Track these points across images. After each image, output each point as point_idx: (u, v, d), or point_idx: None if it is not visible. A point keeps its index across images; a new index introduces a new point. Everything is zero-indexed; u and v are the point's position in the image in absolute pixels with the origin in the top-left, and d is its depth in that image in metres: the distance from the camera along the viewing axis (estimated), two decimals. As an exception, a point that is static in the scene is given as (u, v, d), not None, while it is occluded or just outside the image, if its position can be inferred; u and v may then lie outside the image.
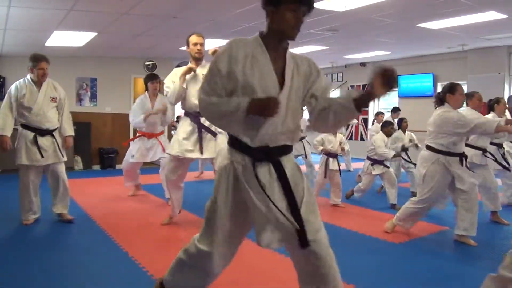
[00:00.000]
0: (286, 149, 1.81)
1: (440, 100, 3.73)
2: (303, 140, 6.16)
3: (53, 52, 7.27)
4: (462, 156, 3.65)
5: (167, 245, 3.50)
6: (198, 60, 3.75)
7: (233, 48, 1.73)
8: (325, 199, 5.25)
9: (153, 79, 5.20)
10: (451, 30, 6.48)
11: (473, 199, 3.62)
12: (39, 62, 3.83)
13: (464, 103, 4.08)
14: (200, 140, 3.67)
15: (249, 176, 1.73)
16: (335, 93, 12.03)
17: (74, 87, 8.29)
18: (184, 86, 3.63)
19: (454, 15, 5.53)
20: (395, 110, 8.28)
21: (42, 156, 3.86)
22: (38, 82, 3.90)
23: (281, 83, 1.74)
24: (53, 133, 3.98)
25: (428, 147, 3.74)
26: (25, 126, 3.90)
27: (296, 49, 8.50)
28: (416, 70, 9.74)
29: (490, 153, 4.53)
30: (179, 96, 3.65)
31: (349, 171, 8.43)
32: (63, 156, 4.04)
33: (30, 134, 3.86)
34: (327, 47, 8.24)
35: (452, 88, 3.66)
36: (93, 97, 8.57)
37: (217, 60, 1.73)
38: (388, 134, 5.43)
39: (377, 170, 5.24)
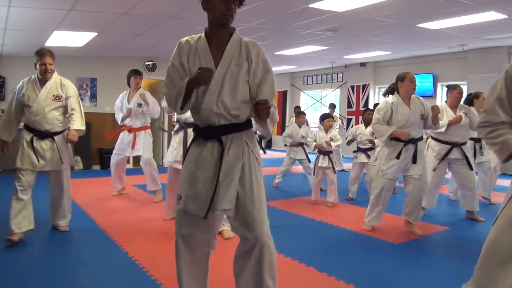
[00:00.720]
0: (230, 128, 1.96)
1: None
2: (303, 146, 6.13)
3: (53, 52, 7.29)
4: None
5: (167, 245, 3.50)
6: None
7: (181, 45, 2.03)
8: (323, 199, 5.26)
9: (136, 73, 5.33)
10: (451, 30, 6.48)
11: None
12: (41, 57, 3.49)
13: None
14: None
15: (190, 151, 2.05)
16: (335, 93, 12.05)
17: (74, 87, 8.29)
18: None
19: (454, 15, 5.53)
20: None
21: (38, 161, 3.48)
22: (42, 79, 3.54)
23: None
24: (55, 137, 3.57)
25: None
26: (26, 127, 3.57)
27: (296, 49, 8.52)
28: (416, 70, 9.71)
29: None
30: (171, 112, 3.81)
31: (343, 170, 8.27)
32: (62, 163, 3.61)
33: (28, 135, 3.51)
34: (327, 47, 8.24)
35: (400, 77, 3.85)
36: (93, 97, 8.57)
37: (172, 58, 2.05)
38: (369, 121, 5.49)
39: (360, 158, 5.42)
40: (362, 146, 5.42)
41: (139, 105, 5.20)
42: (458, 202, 4.81)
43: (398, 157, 3.71)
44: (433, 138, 4.51)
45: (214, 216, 2.01)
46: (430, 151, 4.50)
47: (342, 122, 10.49)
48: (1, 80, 7.70)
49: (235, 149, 1.95)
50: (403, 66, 9.88)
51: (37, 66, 3.50)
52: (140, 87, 5.31)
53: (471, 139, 4.80)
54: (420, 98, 3.90)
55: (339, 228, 4.16)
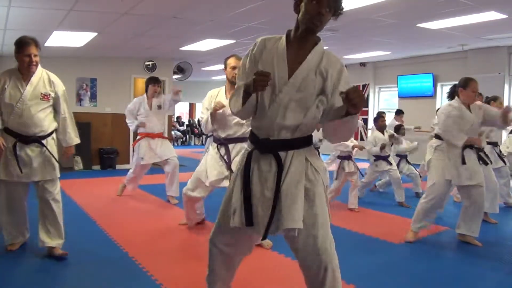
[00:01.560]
0: (290, 144, 1.79)
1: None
2: (318, 150, 6.13)
3: (53, 52, 7.29)
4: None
5: (168, 245, 3.50)
6: (234, 84, 3.30)
7: (258, 42, 1.83)
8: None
9: (155, 82, 5.32)
10: (451, 30, 6.48)
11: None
12: (23, 47, 2.86)
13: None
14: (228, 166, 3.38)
15: (248, 163, 1.84)
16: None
17: (74, 87, 8.28)
18: (215, 126, 3.42)
19: (454, 15, 5.53)
20: (399, 112, 8.06)
21: (21, 171, 2.90)
22: (26, 74, 2.95)
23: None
24: (44, 140, 3.02)
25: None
26: (7, 130, 2.96)
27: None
28: (416, 70, 9.75)
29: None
30: (211, 130, 3.53)
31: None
32: (54, 170, 3.05)
33: (10, 141, 2.92)
34: (327, 47, 8.22)
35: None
36: (93, 97, 8.57)
37: (249, 51, 1.86)
38: (382, 128, 5.49)
39: (380, 166, 5.33)
40: (382, 154, 5.31)
41: (159, 107, 5.25)
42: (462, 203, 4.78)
43: (463, 162, 3.54)
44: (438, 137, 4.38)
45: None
46: (441, 152, 4.34)
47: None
48: (1, 80, 7.69)
49: (296, 167, 1.77)
50: (403, 66, 9.90)
51: (19, 58, 2.90)
52: (157, 94, 5.33)
53: (489, 143, 4.75)
54: (482, 105, 3.77)
55: (339, 228, 4.15)
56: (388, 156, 5.36)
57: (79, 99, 8.43)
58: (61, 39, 6.46)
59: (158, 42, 7.22)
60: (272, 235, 1.82)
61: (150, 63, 9.01)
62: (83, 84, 8.46)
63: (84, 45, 7.10)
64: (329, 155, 6.18)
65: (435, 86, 9.56)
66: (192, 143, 16.11)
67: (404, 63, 9.93)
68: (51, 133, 3.11)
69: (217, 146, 3.45)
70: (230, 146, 3.40)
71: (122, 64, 8.68)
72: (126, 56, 8.60)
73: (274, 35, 1.85)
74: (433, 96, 9.54)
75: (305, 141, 1.83)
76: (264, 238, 1.80)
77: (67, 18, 5.28)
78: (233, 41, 7.14)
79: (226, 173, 3.34)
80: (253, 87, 1.66)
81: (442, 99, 9.66)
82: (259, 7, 4.94)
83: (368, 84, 11.00)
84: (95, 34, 6.31)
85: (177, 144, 15.02)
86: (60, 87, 3.11)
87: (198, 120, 4.13)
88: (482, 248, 3.54)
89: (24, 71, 2.94)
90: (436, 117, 4.90)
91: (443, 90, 9.68)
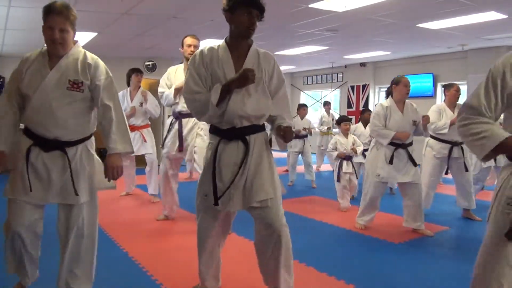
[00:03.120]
0: (251, 129, 2.16)
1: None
2: (304, 139, 6.54)
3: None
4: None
5: (167, 245, 3.51)
6: None
7: (203, 55, 2.16)
8: (323, 201, 5.26)
9: (137, 72, 5.32)
10: (451, 30, 6.48)
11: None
12: (48, 16, 2.10)
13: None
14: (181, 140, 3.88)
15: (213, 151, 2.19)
16: (335, 93, 12.05)
17: (74, 87, 8.27)
18: (177, 100, 3.82)
19: (454, 15, 5.53)
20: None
21: (31, 189, 2.11)
22: (53, 56, 2.14)
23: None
24: (72, 148, 2.18)
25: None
26: (25, 131, 2.21)
27: (296, 49, 8.52)
28: (416, 70, 9.74)
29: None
30: (171, 104, 3.91)
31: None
32: (77, 195, 2.17)
33: (24, 145, 2.15)
34: (327, 47, 8.24)
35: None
36: (93, 97, 8.56)
37: (192, 67, 2.17)
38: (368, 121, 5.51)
39: (357, 159, 5.33)
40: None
41: (141, 104, 5.20)
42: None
43: (391, 162, 3.78)
44: (432, 137, 4.50)
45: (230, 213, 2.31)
46: (429, 149, 4.50)
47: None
48: (1, 80, 7.70)
49: (258, 148, 2.16)
50: (403, 66, 9.89)
51: (43, 30, 2.11)
52: (140, 86, 5.32)
53: None
54: (413, 104, 3.96)
55: (339, 228, 4.16)
56: (366, 150, 5.35)
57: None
58: (61, 39, 6.46)
59: (158, 42, 7.22)
60: (244, 209, 2.17)
61: (150, 63, 9.01)
62: (83, 84, 8.44)
63: (84, 45, 7.07)
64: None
65: (435, 86, 9.55)
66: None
67: (404, 63, 9.93)
68: (85, 139, 2.24)
69: (172, 121, 3.96)
70: (184, 120, 3.85)
71: (122, 64, 8.66)
72: (126, 56, 8.60)
73: (212, 46, 2.20)
74: (433, 96, 9.54)
75: (262, 127, 2.22)
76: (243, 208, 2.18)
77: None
78: (233, 41, 7.14)
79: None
80: (242, 82, 2.04)
81: (442, 99, 9.66)
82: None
83: (368, 84, 11.00)
84: (95, 34, 6.31)
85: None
86: (101, 72, 2.20)
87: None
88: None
89: (50, 51, 2.14)
90: None
91: (443, 90, 9.68)
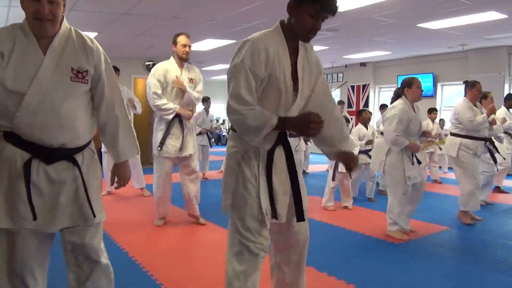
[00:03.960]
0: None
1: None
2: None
3: None
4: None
5: (167, 245, 3.50)
6: (184, 60, 3.91)
7: (264, 45, 1.71)
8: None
9: (115, 70, 5.33)
10: (451, 30, 6.48)
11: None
12: None
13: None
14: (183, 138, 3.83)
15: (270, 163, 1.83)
16: (335, 93, 12.05)
17: (74, 87, 8.27)
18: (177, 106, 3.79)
19: (454, 15, 5.53)
20: (383, 107, 7.81)
21: (35, 217, 1.60)
22: (40, 32, 1.58)
23: (295, 77, 1.77)
24: (78, 155, 1.72)
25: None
26: (10, 137, 1.62)
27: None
28: (416, 70, 9.74)
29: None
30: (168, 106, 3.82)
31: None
32: (94, 216, 1.73)
33: (20, 158, 1.61)
34: (327, 47, 8.24)
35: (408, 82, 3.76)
36: (93, 97, 8.55)
37: (253, 61, 1.67)
38: (366, 121, 5.55)
39: (362, 159, 5.29)
40: (363, 148, 5.36)
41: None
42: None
43: (413, 162, 3.67)
44: (465, 136, 4.28)
45: None
46: (465, 151, 4.27)
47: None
48: (1, 80, 7.68)
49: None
50: (403, 66, 9.90)
51: (24, 2, 1.56)
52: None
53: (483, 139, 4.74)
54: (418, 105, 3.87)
55: (339, 228, 4.16)
56: (369, 150, 5.36)
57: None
58: (61, 39, 6.46)
59: (158, 42, 7.22)
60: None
61: (150, 63, 9.01)
62: (83, 84, 8.44)
63: (84, 45, 7.11)
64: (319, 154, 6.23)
65: (435, 86, 9.56)
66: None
67: (404, 63, 9.93)
68: (87, 144, 1.78)
69: (166, 120, 3.77)
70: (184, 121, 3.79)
71: (122, 64, 8.64)
72: (126, 56, 8.60)
73: (263, 32, 1.76)
74: (433, 96, 9.55)
75: None
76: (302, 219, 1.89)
77: (67, 18, 5.28)
78: (233, 41, 7.14)
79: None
80: (305, 133, 1.71)
81: (442, 99, 9.67)
82: (259, 7, 4.94)
83: (368, 84, 11.00)
84: (95, 34, 6.31)
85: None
86: (103, 59, 1.75)
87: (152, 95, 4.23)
88: (482, 248, 3.55)
89: (35, 31, 1.57)
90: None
91: (443, 90, 9.68)
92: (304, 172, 7.60)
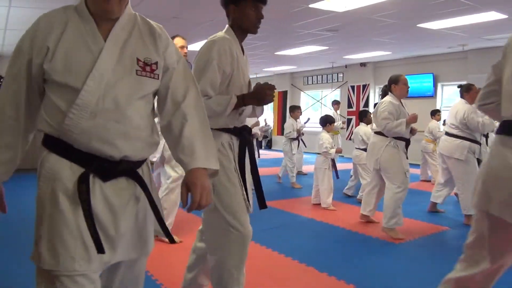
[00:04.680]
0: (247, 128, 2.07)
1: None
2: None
3: None
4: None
5: (167, 245, 3.50)
6: None
7: (225, 47, 1.90)
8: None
9: None
10: (451, 30, 6.48)
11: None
12: None
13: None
14: None
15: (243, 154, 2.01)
16: (335, 93, 12.05)
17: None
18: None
19: (454, 15, 5.53)
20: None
21: (103, 250, 1.20)
22: (105, 9, 1.22)
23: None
24: (140, 169, 1.34)
25: None
26: (56, 145, 1.23)
27: (296, 49, 8.52)
28: (416, 70, 9.75)
29: None
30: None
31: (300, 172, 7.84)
32: (151, 245, 1.41)
33: (70, 173, 1.21)
34: (327, 47, 8.24)
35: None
36: (93, 97, 8.53)
37: (212, 58, 1.86)
38: (370, 122, 5.54)
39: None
40: (363, 147, 5.38)
41: None
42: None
43: (407, 157, 3.84)
44: (471, 140, 4.28)
45: None
46: (471, 154, 4.27)
47: (343, 122, 9.98)
48: (1, 80, 7.70)
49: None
50: (403, 66, 9.89)
51: None
52: None
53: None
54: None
55: (339, 228, 4.16)
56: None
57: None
58: (61, 39, 6.46)
59: (158, 42, 7.22)
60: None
61: (150, 63, 9.00)
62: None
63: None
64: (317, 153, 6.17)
65: (435, 86, 9.55)
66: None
67: (404, 63, 9.93)
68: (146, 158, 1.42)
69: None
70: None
71: (122, 64, 8.66)
72: (126, 56, 8.60)
73: (224, 33, 1.96)
74: (433, 96, 9.54)
75: None
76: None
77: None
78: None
79: None
80: (261, 102, 1.91)
81: (442, 99, 9.66)
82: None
83: (368, 84, 11.00)
84: (95, 34, 6.31)
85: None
86: (172, 47, 1.38)
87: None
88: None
89: (97, 12, 1.24)
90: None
91: (443, 90, 9.68)
92: (301, 173, 7.62)
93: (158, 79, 1.31)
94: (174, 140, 1.34)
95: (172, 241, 1.41)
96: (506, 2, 4.88)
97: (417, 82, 9.79)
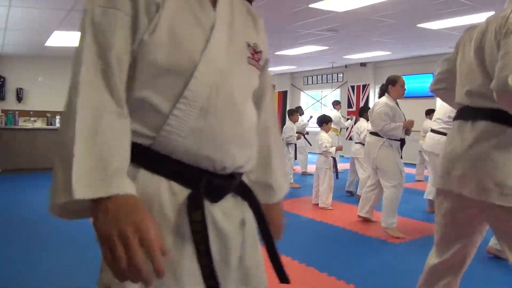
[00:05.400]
0: None
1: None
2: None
3: (53, 52, 7.29)
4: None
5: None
6: None
7: None
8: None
9: None
10: (451, 30, 6.48)
11: None
12: None
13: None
14: None
15: None
16: (335, 93, 12.05)
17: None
18: None
19: (454, 15, 5.54)
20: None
21: (218, 284, 0.82)
22: None
23: None
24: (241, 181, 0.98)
25: None
26: (147, 158, 0.83)
27: (296, 49, 8.52)
28: (416, 70, 9.75)
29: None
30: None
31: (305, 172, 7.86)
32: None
33: (171, 197, 0.83)
34: (327, 47, 8.25)
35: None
36: (93, 97, 8.54)
37: None
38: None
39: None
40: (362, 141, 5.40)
41: None
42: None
43: (401, 156, 3.94)
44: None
45: None
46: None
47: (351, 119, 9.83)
48: (1, 80, 7.69)
49: None
50: (403, 66, 9.90)
51: None
52: None
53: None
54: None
55: (339, 228, 4.16)
56: None
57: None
58: (61, 39, 6.46)
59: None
60: None
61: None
62: (83, 84, 8.42)
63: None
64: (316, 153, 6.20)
65: (435, 86, 9.55)
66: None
67: (404, 63, 9.93)
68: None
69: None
70: None
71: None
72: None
73: None
74: (433, 96, 9.52)
75: None
76: None
77: (67, 18, 5.29)
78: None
79: None
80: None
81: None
82: (259, 7, 4.94)
83: (368, 84, 11.01)
84: (95, 34, 6.31)
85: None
86: (262, 37, 1.04)
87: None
88: (484, 247, 3.54)
89: None
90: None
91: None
92: (306, 173, 7.61)
93: (260, 70, 1.00)
94: (259, 165, 1.07)
95: (284, 280, 1.07)
96: (506, 2, 4.88)
97: (417, 82, 9.80)
